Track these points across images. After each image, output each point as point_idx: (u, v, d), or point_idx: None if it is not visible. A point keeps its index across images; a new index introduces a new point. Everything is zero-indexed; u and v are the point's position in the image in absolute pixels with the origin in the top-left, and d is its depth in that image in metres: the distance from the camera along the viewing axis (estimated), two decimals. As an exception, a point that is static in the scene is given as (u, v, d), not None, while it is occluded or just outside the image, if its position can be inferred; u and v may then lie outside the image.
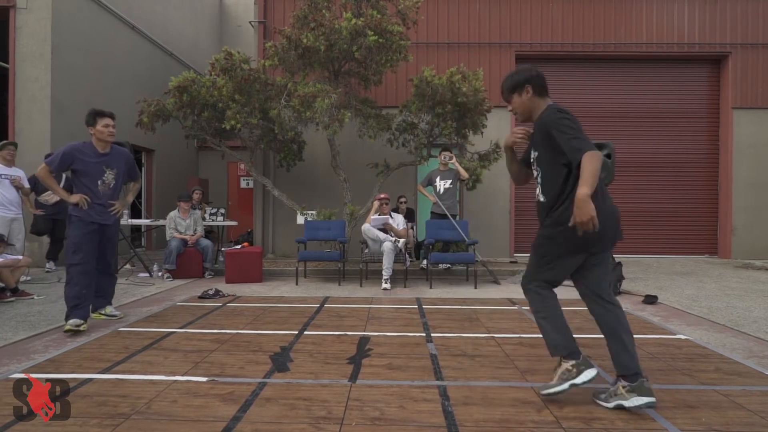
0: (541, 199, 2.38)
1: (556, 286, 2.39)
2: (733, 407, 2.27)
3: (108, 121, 3.72)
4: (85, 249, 3.66)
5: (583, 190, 2.06)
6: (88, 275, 3.67)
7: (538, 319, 2.36)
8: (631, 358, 2.20)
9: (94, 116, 3.70)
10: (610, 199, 2.31)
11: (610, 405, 2.16)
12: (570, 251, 2.28)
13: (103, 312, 3.99)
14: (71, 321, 3.54)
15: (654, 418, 2.14)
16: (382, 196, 6.41)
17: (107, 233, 3.85)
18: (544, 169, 2.36)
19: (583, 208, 2.05)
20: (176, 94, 6.78)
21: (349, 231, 7.09)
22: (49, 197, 6.55)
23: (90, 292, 3.71)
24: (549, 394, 2.27)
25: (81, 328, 3.55)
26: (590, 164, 2.08)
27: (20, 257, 4.89)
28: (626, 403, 2.08)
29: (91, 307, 3.82)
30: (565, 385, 2.23)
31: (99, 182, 3.74)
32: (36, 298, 4.83)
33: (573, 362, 2.23)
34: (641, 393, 2.09)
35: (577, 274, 2.36)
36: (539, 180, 2.42)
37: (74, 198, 3.65)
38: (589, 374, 2.21)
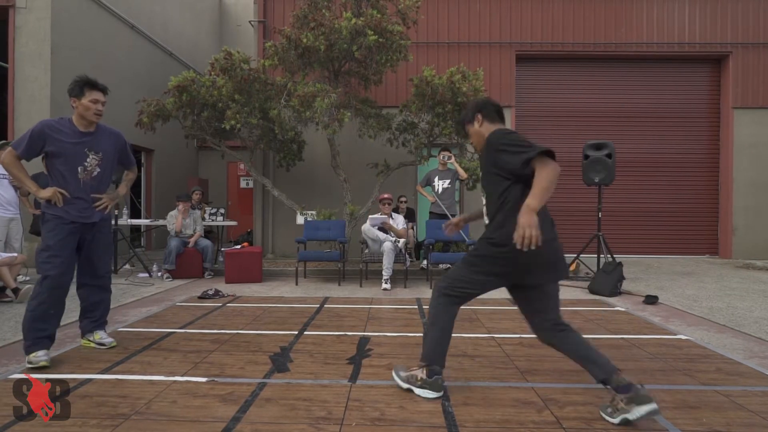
0: (486, 221, 2.39)
1: (464, 302, 2.38)
2: (734, 408, 2.27)
3: (98, 95, 2.98)
4: (62, 256, 2.89)
5: (531, 201, 2.00)
6: (60, 290, 2.92)
7: (431, 325, 2.35)
8: (603, 369, 2.13)
9: (81, 86, 2.95)
10: (556, 235, 2.22)
11: (616, 420, 2.10)
12: (499, 273, 2.25)
13: (91, 339, 3.20)
14: (32, 356, 2.78)
15: (655, 419, 2.13)
16: (385, 196, 6.39)
17: (93, 235, 3.07)
18: (488, 191, 2.35)
19: (526, 218, 1.97)
20: (176, 93, 6.77)
21: (349, 231, 7.08)
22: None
23: (58, 312, 2.95)
24: (398, 385, 2.44)
25: (42, 363, 2.75)
26: (545, 179, 2.01)
27: (16, 254, 4.87)
28: (630, 416, 2.05)
29: (81, 328, 3.23)
30: (404, 385, 2.41)
31: (79, 169, 2.97)
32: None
33: (425, 372, 2.35)
34: (640, 402, 2.05)
35: (530, 308, 2.29)
36: (484, 203, 2.43)
37: (46, 192, 2.90)
38: (429, 394, 2.34)
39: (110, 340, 3.23)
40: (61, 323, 3.78)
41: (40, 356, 2.79)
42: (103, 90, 3.04)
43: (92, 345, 3.20)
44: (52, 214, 2.95)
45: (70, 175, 2.96)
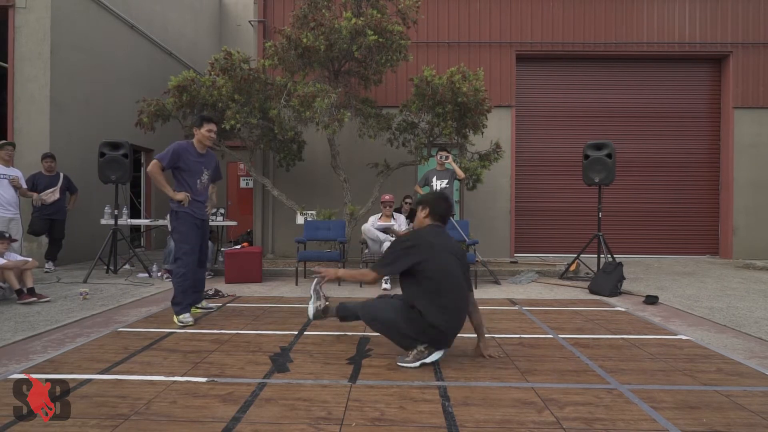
0: None
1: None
2: (734, 408, 2.27)
3: (212, 126, 3.98)
4: (194, 244, 3.93)
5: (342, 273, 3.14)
6: (193, 266, 3.95)
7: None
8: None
9: (201, 120, 3.95)
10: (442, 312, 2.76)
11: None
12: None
13: (199, 306, 4.19)
14: (186, 316, 3.81)
15: (655, 419, 2.13)
16: (387, 198, 6.36)
17: (204, 229, 4.10)
18: None
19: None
20: (176, 93, 6.77)
21: (349, 231, 7.07)
22: (47, 196, 6.54)
23: (197, 285, 4.05)
24: (403, 367, 2.79)
25: (190, 321, 3.79)
26: (357, 277, 3.30)
27: (28, 259, 4.85)
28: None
29: (192, 300, 4.05)
30: (416, 363, 2.78)
31: (198, 181, 3.97)
32: (40, 300, 4.75)
33: (425, 345, 2.80)
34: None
35: None
36: None
37: (180, 195, 3.85)
38: (436, 355, 2.84)
39: (213, 305, 4.40)
40: (60, 324, 3.81)
41: (187, 318, 3.81)
42: (217, 122, 4.07)
43: (199, 311, 4.19)
44: (184, 212, 3.89)
45: (192, 184, 3.94)
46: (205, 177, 4.04)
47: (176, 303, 3.84)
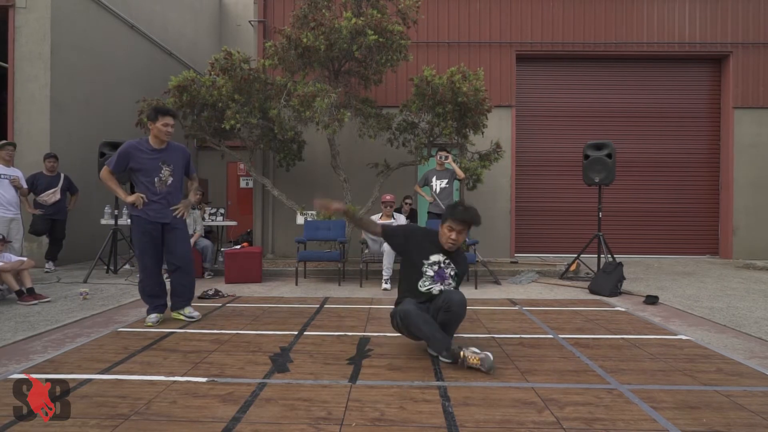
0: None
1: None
2: (734, 408, 2.26)
3: (169, 120, 3.73)
4: (145, 248, 3.71)
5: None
6: (153, 273, 3.77)
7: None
8: None
9: (156, 113, 3.70)
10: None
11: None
12: None
13: (181, 312, 3.94)
14: (151, 317, 3.78)
15: (655, 419, 2.13)
16: (388, 198, 6.37)
17: (171, 231, 3.79)
18: None
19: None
20: (176, 93, 6.77)
21: (349, 231, 7.07)
22: (48, 197, 6.55)
23: (158, 290, 3.83)
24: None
25: (151, 322, 3.73)
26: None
27: (24, 258, 4.85)
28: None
29: (169, 305, 3.96)
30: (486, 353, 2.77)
31: (156, 179, 3.71)
32: (42, 301, 4.74)
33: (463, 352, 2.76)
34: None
35: None
36: None
37: (130, 197, 3.66)
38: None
39: (197, 314, 3.98)
40: (60, 324, 3.81)
41: (153, 317, 3.77)
42: (173, 115, 3.77)
43: (182, 317, 3.92)
44: (137, 216, 3.69)
45: (148, 184, 3.69)
46: (164, 174, 3.74)
47: (146, 304, 3.87)
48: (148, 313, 3.82)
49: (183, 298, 3.93)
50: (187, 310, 3.95)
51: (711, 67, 9.36)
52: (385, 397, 2.37)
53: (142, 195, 3.67)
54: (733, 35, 9.00)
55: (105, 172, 3.72)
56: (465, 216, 2.97)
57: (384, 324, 3.88)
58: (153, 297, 3.82)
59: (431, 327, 2.84)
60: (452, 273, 3.05)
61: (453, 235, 2.97)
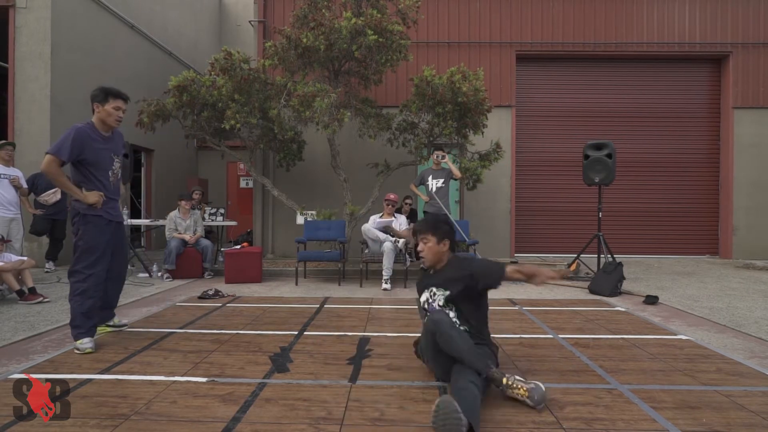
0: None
1: None
2: (734, 408, 2.26)
3: (120, 103, 3.16)
4: (103, 253, 3.14)
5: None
6: (101, 285, 3.19)
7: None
8: None
9: (106, 94, 3.12)
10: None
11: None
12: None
13: (111, 324, 3.53)
14: (85, 341, 3.05)
15: (655, 419, 2.13)
16: (391, 197, 6.36)
17: (120, 233, 3.33)
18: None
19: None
20: (176, 93, 6.77)
21: (349, 231, 7.08)
22: (49, 197, 6.54)
23: (101, 303, 3.27)
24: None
25: (90, 349, 3.05)
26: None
27: (24, 258, 4.85)
28: None
29: (102, 318, 3.45)
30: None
31: (110, 173, 3.20)
32: (44, 300, 4.73)
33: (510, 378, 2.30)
34: None
35: None
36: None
37: (93, 197, 3.07)
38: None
39: (125, 321, 3.71)
40: (60, 324, 3.81)
41: (92, 343, 3.08)
42: (125, 99, 3.19)
43: (108, 329, 3.53)
44: (93, 215, 3.10)
45: (103, 179, 3.16)
46: (116, 166, 3.24)
47: (75, 325, 3.07)
48: (81, 337, 3.05)
49: (114, 307, 3.52)
50: (116, 319, 3.59)
51: (711, 67, 9.36)
52: (385, 397, 2.37)
53: (101, 193, 3.11)
54: (733, 35, 9.00)
55: (53, 163, 2.95)
56: (418, 225, 2.79)
57: (384, 324, 3.89)
58: (93, 314, 3.14)
59: (466, 341, 2.38)
60: (440, 303, 2.61)
61: (420, 246, 2.74)
